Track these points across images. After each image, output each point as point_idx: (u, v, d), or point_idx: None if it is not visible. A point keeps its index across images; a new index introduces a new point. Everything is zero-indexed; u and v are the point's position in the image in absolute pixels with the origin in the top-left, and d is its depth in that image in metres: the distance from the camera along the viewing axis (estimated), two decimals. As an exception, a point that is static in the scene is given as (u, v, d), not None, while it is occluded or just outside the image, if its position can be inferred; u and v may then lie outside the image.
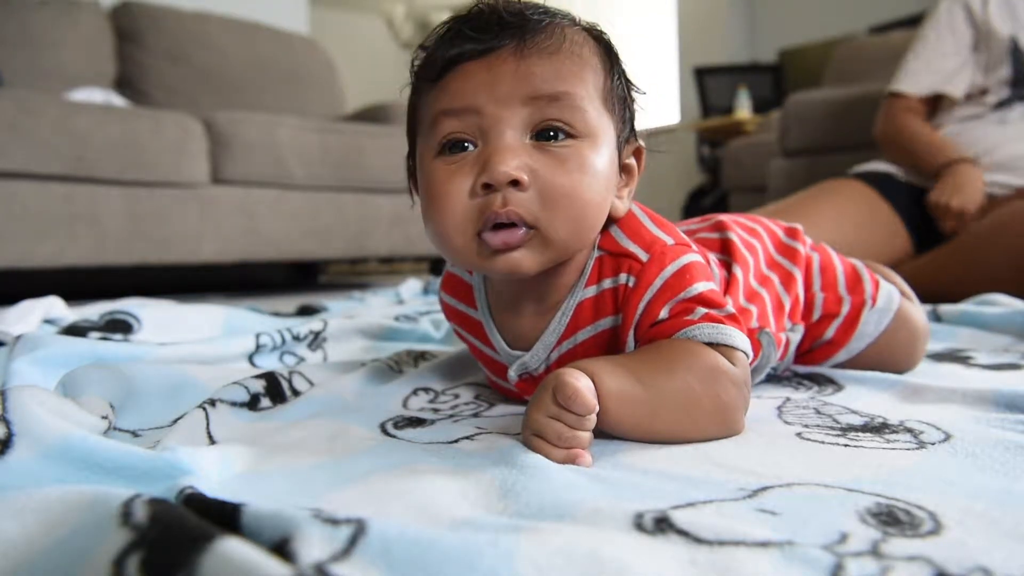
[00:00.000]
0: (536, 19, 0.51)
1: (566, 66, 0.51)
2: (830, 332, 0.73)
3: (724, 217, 0.72)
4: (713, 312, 0.53)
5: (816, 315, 0.72)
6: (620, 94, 0.56)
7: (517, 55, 0.50)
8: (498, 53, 0.50)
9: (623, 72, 0.57)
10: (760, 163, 2.43)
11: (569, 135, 0.51)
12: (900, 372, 0.73)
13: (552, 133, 0.51)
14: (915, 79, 1.56)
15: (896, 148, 1.54)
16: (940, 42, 1.54)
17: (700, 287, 0.54)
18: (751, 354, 0.54)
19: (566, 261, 0.55)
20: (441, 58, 0.51)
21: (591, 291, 0.56)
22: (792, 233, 0.74)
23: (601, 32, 0.56)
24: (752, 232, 0.72)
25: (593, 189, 0.51)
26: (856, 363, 0.73)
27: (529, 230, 0.50)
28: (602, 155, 0.52)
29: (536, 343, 0.59)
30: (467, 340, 0.67)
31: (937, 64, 1.54)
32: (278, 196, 2.28)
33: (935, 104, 1.57)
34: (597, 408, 0.47)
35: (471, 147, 0.51)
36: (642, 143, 0.59)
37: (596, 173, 0.51)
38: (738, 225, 0.71)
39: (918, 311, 0.76)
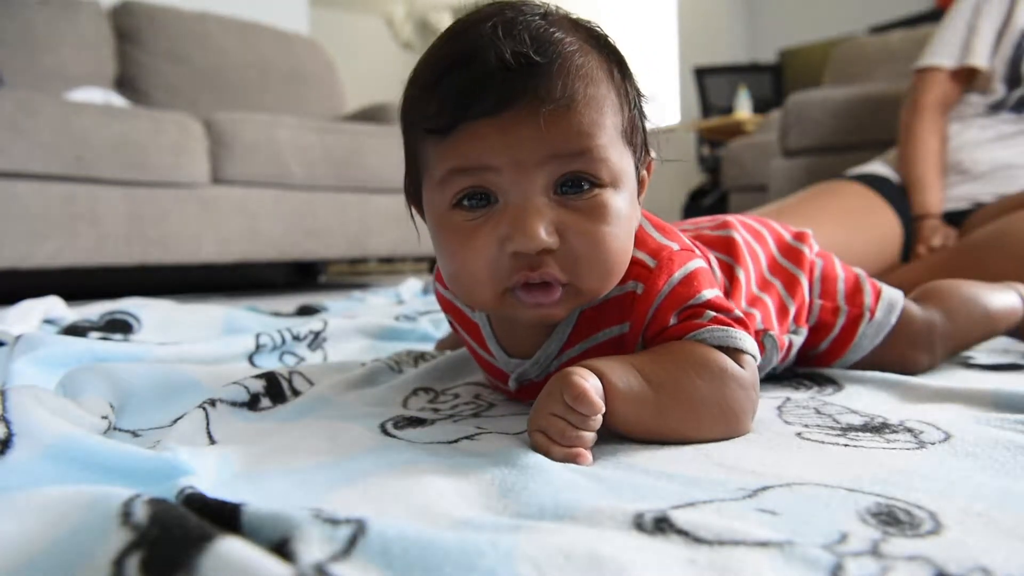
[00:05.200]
0: (546, 60, 0.46)
1: (587, 117, 0.47)
2: (825, 344, 0.72)
3: (731, 217, 0.72)
4: (721, 316, 0.53)
5: (812, 322, 0.72)
6: (636, 122, 0.53)
7: (534, 116, 0.46)
8: (513, 113, 0.46)
9: (636, 89, 0.53)
10: (760, 163, 2.43)
11: (593, 184, 0.49)
12: (910, 374, 0.71)
13: (576, 183, 0.48)
14: (948, 49, 1.48)
15: (901, 152, 1.53)
16: (981, 14, 1.46)
17: (707, 294, 0.54)
18: (759, 357, 0.54)
19: None
20: (447, 114, 0.47)
21: (595, 300, 0.56)
22: (800, 236, 0.74)
23: (605, 39, 0.52)
24: (757, 235, 0.72)
25: (620, 237, 0.50)
26: (861, 364, 0.73)
27: (562, 287, 0.50)
28: (625, 197, 0.50)
29: (538, 352, 0.58)
30: (463, 337, 0.67)
31: (974, 37, 1.46)
32: (278, 196, 2.28)
33: (968, 80, 1.49)
34: (603, 409, 0.47)
35: (490, 199, 0.49)
36: (653, 155, 0.57)
37: (621, 219, 0.50)
38: (744, 227, 0.71)
39: (928, 315, 0.74)
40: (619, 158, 0.50)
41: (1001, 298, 0.80)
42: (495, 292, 0.50)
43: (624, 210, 0.50)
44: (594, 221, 0.49)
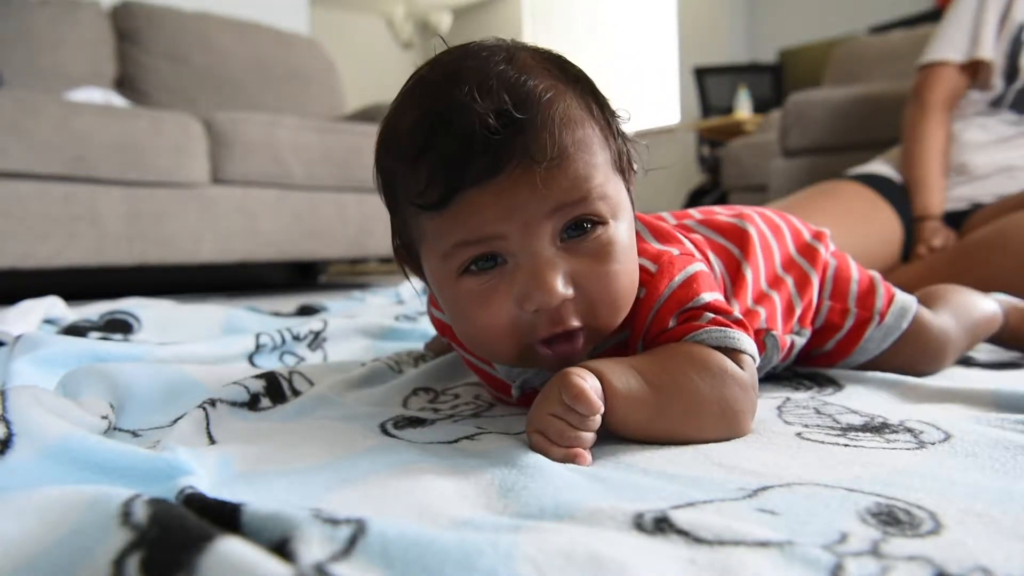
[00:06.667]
0: (528, 115, 0.45)
1: (581, 162, 0.47)
2: (830, 344, 0.72)
3: (749, 210, 0.71)
4: (720, 317, 0.53)
5: (819, 323, 0.71)
6: (621, 148, 0.53)
7: (529, 174, 0.45)
8: (507, 174, 0.45)
9: (612, 113, 0.53)
10: (760, 163, 2.43)
11: (596, 224, 0.49)
12: (919, 375, 0.70)
13: (579, 226, 0.49)
14: (956, 44, 1.48)
15: (905, 150, 1.53)
16: (986, 7, 1.47)
17: (707, 296, 0.54)
18: (758, 358, 0.54)
19: None
20: (439, 186, 0.46)
21: None
22: (818, 235, 0.74)
23: (571, 68, 0.51)
24: (775, 229, 0.71)
25: (628, 269, 0.51)
26: (867, 366, 0.73)
27: (581, 330, 0.50)
28: (624, 226, 0.51)
29: None
30: (461, 354, 0.67)
31: (981, 29, 1.46)
32: (278, 196, 2.28)
33: (974, 74, 1.50)
34: (602, 409, 0.47)
35: (497, 259, 0.49)
36: (636, 167, 0.56)
37: (627, 250, 0.51)
38: (763, 219, 0.70)
39: (942, 321, 0.73)
40: (615, 191, 0.51)
41: (985, 306, 0.82)
42: (517, 348, 0.51)
43: (626, 240, 0.51)
44: (603, 262, 0.49)
